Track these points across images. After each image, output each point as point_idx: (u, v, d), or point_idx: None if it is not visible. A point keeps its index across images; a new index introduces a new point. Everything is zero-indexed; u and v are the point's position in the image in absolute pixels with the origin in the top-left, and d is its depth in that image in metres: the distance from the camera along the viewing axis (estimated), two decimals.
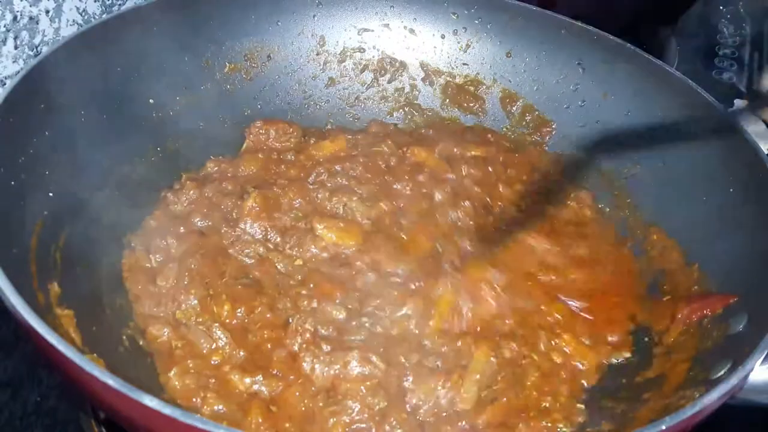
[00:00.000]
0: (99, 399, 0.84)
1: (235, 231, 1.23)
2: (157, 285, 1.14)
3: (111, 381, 0.77)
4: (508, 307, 1.16)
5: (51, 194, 1.07)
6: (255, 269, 1.18)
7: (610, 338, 1.15)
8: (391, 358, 1.07)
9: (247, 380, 1.02)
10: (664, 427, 0.82)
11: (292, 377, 1.04)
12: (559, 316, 1.15)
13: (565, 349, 1.12)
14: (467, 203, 1.31)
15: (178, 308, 1.11)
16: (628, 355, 1.14)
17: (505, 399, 1.04)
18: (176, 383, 1.02)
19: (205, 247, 1.20)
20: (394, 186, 1.35)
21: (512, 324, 1.14)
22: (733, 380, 0.88)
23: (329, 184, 1.33)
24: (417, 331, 1.12)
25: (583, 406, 1.06)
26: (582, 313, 1.18)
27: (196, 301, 1.12)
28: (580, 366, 1.11)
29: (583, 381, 1.10)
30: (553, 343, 1.13)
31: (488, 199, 1.34)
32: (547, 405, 1.05)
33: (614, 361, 1.14)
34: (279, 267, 1.19)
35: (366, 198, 1.31)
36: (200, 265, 1.16)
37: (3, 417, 1.14)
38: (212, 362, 1.05)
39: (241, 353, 1.06)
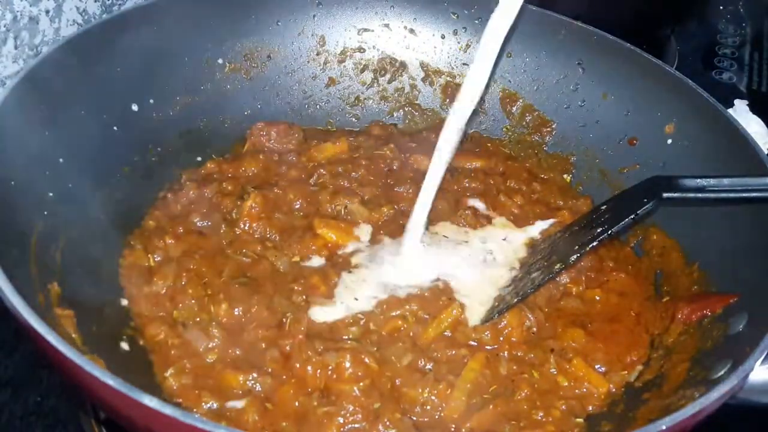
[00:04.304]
0: (99, 399, 0.84)
1: (234, 231, 1.23)
2: (155, 285, 1.14)
3: (111, 381, 0.77)
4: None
5: (51, 194, 1.07)
6: (252, 268, 1.18)
7: (629, 359, 1.13)
8: (384, 358, 1.07)
9: (241, 378, 1.02)
10: (664, 427, 0.82)
11: (284, 377, 1.04)
12: (574, 343, 1.13)
13: (579, 373, 1.10)
14: (468, 212, 1.31)
15: (175, 308, 1.11)
16: (641, 368, 1.13)
17: (491, 406, 1.03)
18: (173, 383, 1.02)
19: (204, 248, 1.20)
20: (396, 189, 1.35)
21: (520, 346, 1.13)
22: (733, 380, 0.88)
23: (330, 186, 1.33)
24: (412, 334, 1.12)
25: (582, 421, 1.05)
26: (601, 342, 1.15)
27: (193, 301, 1.12)
28: (589, 391, 1.09)
29: (589, 406, 1.07)
30: (566, 367, 1.10)
31: (490, 210, 1.34)
32: (540, 417, 1.04)
33: (629, 380, 1.11)
34: (277, 264, 1.19)
35: (367, 201, 1.32)
36: (199, 265, 1.16)
37: (3, 417, 1.14)
38: (208, 360, 1.05)
39: (237, 351, 1.06)
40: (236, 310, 1.11)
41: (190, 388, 1.01)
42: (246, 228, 1.24)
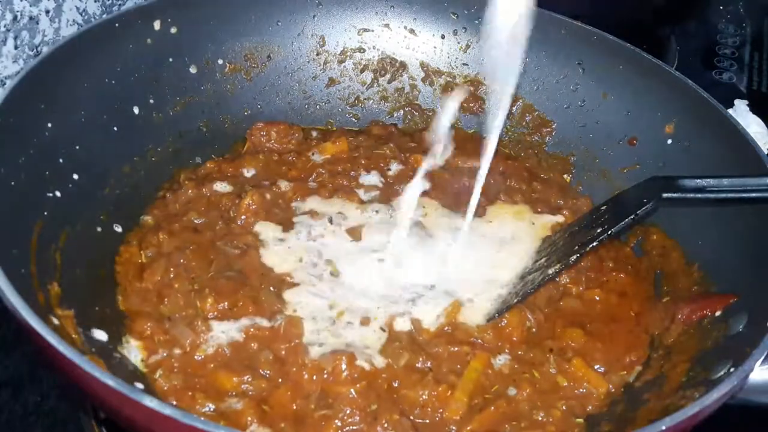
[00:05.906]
0: (99, 399, 0.84)
1: (230, 227, 1.23)
2: (145, 281, 1.13)
3: (111, 381, 0.77)
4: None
5: (51, 194, 1.07)
6: (239, 260, 1.17)
7: (629, 359, 1.13)
8: (381, 359, 1.07)
9: (235, 379, 1.01)
10: (664, 428, 0.82)
11: (280, 380, 1.03)
12: (573, 343, 1.13)
13: (578, 373, 1.09)
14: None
15: (162, 303, 1.11)
16: (639, 368, 1.12)
17: (492, 407, 1.03)
18: (163, 383, 1.00)
19: (196, 243, 1.19)
20: (396, 188, 1.35)
21: (520, 346, 1.12)
22: (733, 380, 0.88)
23: (330, 185, 1.33)
24: (414, 330, 1.12)
25: (582, 421, 1.05)
26: (600, 342, 1.14)
27: (179, 296, 1.11)
28: (588, 391, 1.08)
29: (588, 406, 1.07)
30: (565, 367, 1.09)
31: (490, 208, 1.34)
32: (540, 418, 1.03)
33: (629, 381, 1.11)
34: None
35: (367, 199, 1.32)
36: (189, 260, 1.15)
37: (3, 417, 1.14)
38: (196, 358, 1.04)
39: (226, 351, 1.05)
40: (222, 305, 1.09)
41: (182, 389, 1.00)
42: (242, 224, 1.24)
